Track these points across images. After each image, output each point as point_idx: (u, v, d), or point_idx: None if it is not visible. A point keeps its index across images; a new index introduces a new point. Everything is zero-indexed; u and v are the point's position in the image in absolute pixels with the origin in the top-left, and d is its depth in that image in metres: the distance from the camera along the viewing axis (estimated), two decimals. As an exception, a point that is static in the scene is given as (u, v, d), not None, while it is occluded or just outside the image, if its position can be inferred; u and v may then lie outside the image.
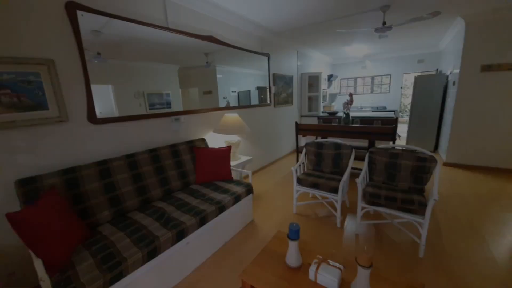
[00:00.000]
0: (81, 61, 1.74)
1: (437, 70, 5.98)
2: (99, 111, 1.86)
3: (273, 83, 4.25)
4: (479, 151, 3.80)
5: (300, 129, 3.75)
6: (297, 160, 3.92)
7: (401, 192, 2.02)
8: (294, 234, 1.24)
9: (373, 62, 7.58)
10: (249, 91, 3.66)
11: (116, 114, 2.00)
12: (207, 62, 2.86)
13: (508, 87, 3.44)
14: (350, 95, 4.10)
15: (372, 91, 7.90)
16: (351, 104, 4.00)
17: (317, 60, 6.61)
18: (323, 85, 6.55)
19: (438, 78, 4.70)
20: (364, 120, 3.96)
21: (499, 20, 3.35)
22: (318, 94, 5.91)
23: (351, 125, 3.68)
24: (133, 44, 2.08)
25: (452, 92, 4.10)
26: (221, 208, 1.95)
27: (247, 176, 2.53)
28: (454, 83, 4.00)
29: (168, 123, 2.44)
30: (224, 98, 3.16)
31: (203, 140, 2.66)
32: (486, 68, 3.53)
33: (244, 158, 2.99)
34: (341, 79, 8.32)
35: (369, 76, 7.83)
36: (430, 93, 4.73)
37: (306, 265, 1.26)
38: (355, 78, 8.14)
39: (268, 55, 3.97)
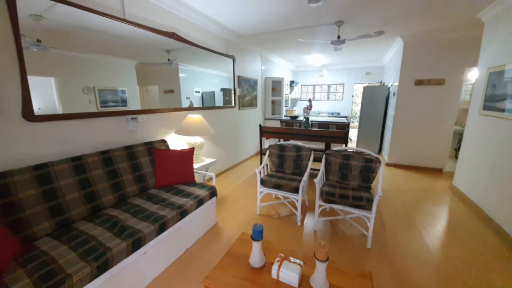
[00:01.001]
0: (16, 48, 1.49)
1: (381, 82, 6.83)
2: (38, 107, 1.62)
3: (238, 85, 4.28)
4: (413, 153, 4.45)
5: (264, 132, 3.85)
6: (261, 162, 4.01)
7: (352, 190, 2.24)
8: (257, 235, 1.27)
9: (329, 72, 8.26)
10: (214, 92, 3.61)
11: (59, 111, 1.76)
12: (169, 60, 2.73)
13: (435, 99, 4.13)
14: (310, 100, 4.39)
15: (328, 98, 8.57)
16: (310, 109, 4.27)
17: (281, 66, 6.89)
18: (286, 90, 6.85)
19: (381, 89, 5.36)
20: (321, 124, 4.28)
21: (430, 42, 4.01)
22: (281, 98, 6.16)
23: (310, 129, 3.93)
24: (83, 33, 1.86)
25: (392, 101, 4.73)
26: (183, 213, 1.87)
27: (210, 179, 2.49)
28: (394, 94, 4.62)
29: (123, 123, 2.24)
30: (187, 98, 3.06)
31: (164, 141, 2.53)
32: (419, 82, 4.17)
33: (207, 160, 2.93)
34: (301, 85, 8.83)
35: (325, 84, 8.48)
36: (375, 102, 5.38)
37: (269, 264, 1.30)
38: (314, 85, 8.72)
39: (233, 58, 3.99)
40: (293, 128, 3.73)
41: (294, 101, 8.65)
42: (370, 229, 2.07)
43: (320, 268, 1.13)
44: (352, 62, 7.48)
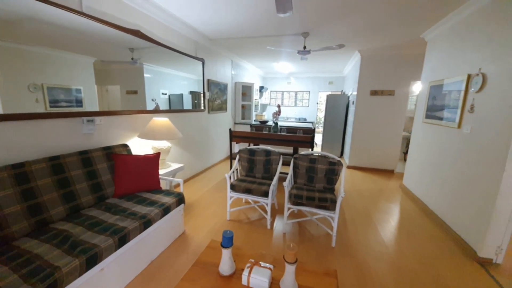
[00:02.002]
0: None
1: (342, 91, 7.39)
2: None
3: (207, 89, 4.21)
4: (370, 156, 4.89)
5: (234, 136, 3.84)
6: (231, 167, 3.98)
7: (318, 192, 2.36)
8: (227, 241, 1.25)
9: (296, 79, 8.65)
10: (182, 95, 3.49)
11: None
12: (132, 59, 2.56)
13: (387, 108, 4.62)
14: (278, 106, 4.52)
15: (295, 104, 8.95)
16: (279, 115, 4.40)
17: (250, 72, 6.98)
18: (255, 95, 6.96)
19: (342, 98, 5.81)
20: (289, 129, 4.44)
21: (383, 57, 4.49)
22: (250, 103, 6.23)
23: (279, 133, 4.04)
24: (32, 24, 1.64)
25: (352, 109, 5.15)
26: (147, 223, 1.75)
27: (178, 185, 2.38)
28: (353, 103, 5.04)
29: (78, 125, 2.02)
30: (152, 100, 2.90)
31: (125, 146, 2.34)
32: (374, 92, 4.63)
33: (175, 166, 2.80)
34: (270, 91, 9.07)
35: (293, 91, 8.86)
36: (337, 109, 5.80)
37: (239, 270, 1.29)
38: (282, 92, 9.03)
39: (203, 61, 3.92)
40: (262, 133, 3.79)
41: (264, 106, 8.83)
42: (334, 228, 2.20)
43: (289, 270, 1.16)
44: (317, 72, 7.96)
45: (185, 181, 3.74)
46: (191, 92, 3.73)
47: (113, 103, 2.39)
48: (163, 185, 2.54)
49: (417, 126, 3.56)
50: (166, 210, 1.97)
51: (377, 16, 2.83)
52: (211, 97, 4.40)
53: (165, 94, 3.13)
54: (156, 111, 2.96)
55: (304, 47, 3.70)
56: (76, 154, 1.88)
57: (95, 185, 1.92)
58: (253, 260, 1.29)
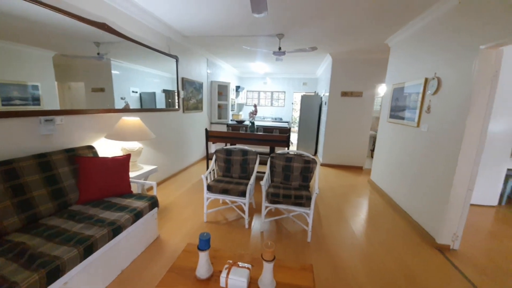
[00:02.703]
0: None
1: (315, 92, 7.68)
2: None
3: (182, 87, 4.07)
4: (341, 154, 5.16)
5: (210, 136, 3.77)
6: (208, 167, 3.91)
7: (294, 189, 2.43)
8: (204, 244, 1.23)
9: (272, 80, 8.78)
10: (155, 93, 3.34)
11: None
12: (98, 54, 2.38)
13: (356, 108, 4.91)
14: (255, 106, 4.55)
15: (272, 104, 9.08)
16: (255, 114, 4.43)
17: (227, 71, 6.92)
18: (232, 94, 6.91)
19: (315, 98, 6.04)
20: (266, 129, 4.49)
21: (352, 60, 4.75)
22: (227, 102, 6.17)
23: (256, 133, 4.07)
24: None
25: (324, 110, 5.38)
26: (117, 230, 1.64)
27: (151, 188, 2.28)
28: (325, 103, 5.27)
29: (34, 125, 1.82)
30: (122, 98, 2.72)
31: (91, 147, 2.17)
32: (344, 94, 4.89)
33: (147, 168, 2.67)
34: (247, 91, 9.08)
35: (269, 91, 8.98)
36: (311, 109, 6.01)
37: (217, 272, 1.28)
38: (259, 92, 9.11)
39: (176, 58, 3.78)
40: (239, 132, 3.78)
41: (240, 106, 8.81)
42: (310, 224, 2.28)
43: (267, 268, 1.17)
44: (292, 73, 8.17)
45: (159, 184, 3.59)
46: (164, 91, 3.59)
47: (77, 102, 2.20)
48: (135, 189, 2.40)
49: (382, 125, 3.84)
50: (138, 215, 1.87)
51: (346, 22, 2.99)
52: (186, 96, 4.28)
53: (136, 92, 2.97)
54: (126, 110, 2.79)
55: (279, 48, 3.77)
56: (33, 158, 1.70)
57: (55, 191, 1.75)
58: (231, 261, 1.28)
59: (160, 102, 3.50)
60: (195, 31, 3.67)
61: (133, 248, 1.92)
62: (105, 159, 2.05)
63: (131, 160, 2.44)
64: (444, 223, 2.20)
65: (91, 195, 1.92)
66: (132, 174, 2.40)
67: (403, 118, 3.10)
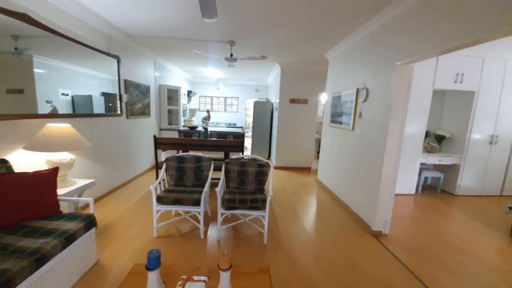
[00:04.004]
0: None
1: (267, 98, 8.02)
2: None
3: (125, 90, 3.70)
4: (292, 156, 5.51)
5: (160, 143, 3.52)
6: (157, 177, 3.63)
7: (249, 194, 2.46)
8: (153, 262, 1.11)
9: (225, 85, 8.80)
10: (91, 96, 2.94)
11: None
12: (16, 48, 1.97)
13: (303, 114, 5.33)
14: (208, 111, 4.47)
15: (225, 110, 9.07)
16: (209, 120, 4.35)
17: (177, 75, 6.61)
18: (183, 99, 6.62)
19: (267, 105, 6.31)
20: (220, 134, 4.45)
21: (298, 70, 5.15)
22: (178, 108, 5.88)
23: (209, 139, 3.99)
24: None
25: (276, 115, 5.67)
26: (41, 260, 1.37)
27: (87, 206, 1.98)
28: (276, 109, 5.56)
29: None
30: (48, 102, 2.30)
31: (4, 161, 1.77)
32: (292, 101, 5.25)
33: (81, 182, 2.31)
34: (199, 96, 8.84)
35: (222, 96, 8.96)
36: (263, 115, 6.25)
37: (171, 289, 1.19)
38: (212, 97, 8.98)
39: (118, 58, 3.43)
40: (192, 139, 3.64)
41: (193, 112, 8.51)
42: (265, 226, 2.34)
43: (224, 278, 1.15)
44: (244, 79, 8.36)
45: (98, 199, 3.14)
46: (104, 94, 3.19)
47: (-21, 105, 1.77)
48: (65, 208, 2.05)
49: (325, 129, 4.27)
50: (69, 239, 1.59)
51: (292, 36, 3.25)
52: (130, 100, 3.90)
53: (67, 95, 2.56)
54: (53, 115, 2.37)
55: (231, 55, 3.82)
56: None
57: None
58: (185, 277, 1.21)
59: (99, 107, 3.10)
60: (141, 31, 3.41)
61: (65, 278, 1.62)
62: (23, 175, 1.69)
63: (59, 174, 2.08)
64: (376, 212, 2.57)
65: (5, 220, 1.55)
66: (61, 191, 2.04)
67: (341, 123, 3.51)
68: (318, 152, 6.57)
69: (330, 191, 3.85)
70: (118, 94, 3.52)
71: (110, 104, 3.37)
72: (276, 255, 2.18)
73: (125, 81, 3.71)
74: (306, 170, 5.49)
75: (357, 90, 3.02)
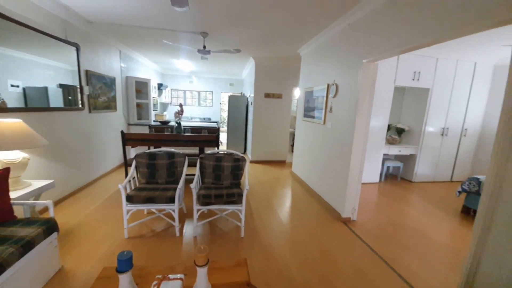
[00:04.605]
0: None
1: (241, 92, 7.97)
2: None
3: (86, 82, 3.39)
4: (267, 150, 5.60)
5: (128, 139, 3.32)
6: (126, 175, 3.43)
7: (225, 188, 2.46)
8: (124, 264, 1.06)
9: (198, 79, 8.52)
10: (47, 88, 2.64)
11: None
12: None
13: (277, 109, 5.42)
14: (181, 105, 4.30)
15: (199, 104, 8.82)
16: (181, 114, 4.19)
17: (146, 66, 6.22)
18: (153, 93, 6.28)
19: (242, 99, 6.28)
20: (194, 129, 4.33)
21: (272, 65, 5.19)
22: (148, 101, 5.57)
23: (183, 134, 3.86)
24: None
25: (251, 109, 5.68)
26: (-7, 270, 1.23)
27: (46, 209, 1.81)
28: (251, 104, 5.57)
29: None
30: (-11, 94, 2.02)
31: None
32: (267, 95, 5.29)
33: (38, 184, 2.09)
34: (171, 89, 8.45)
35: (196, 90, 8.67)
36: (238, 109, 6.22)
37: (145, 290, 1.15)
38: (185, 91, 8.65)
39: (77, 46, 3.11)
40: (164, 134, 3.50)
41: (164, 106, 8.13)
42: (242, 220, 2.37)
43: (201, 274, 1.15)
44: (219, 73, 8.18)
45: (59, 202, 2.88)
46: (62, 86, 2.89)
47: None
48: (20, 213, 1.85)
49: (298, 123, 4.40)
50: (26, 245, 1.45)
51: (265, 30, 3.25)
52: (93, 92, 3.59)
53: (17, 86, 2.27)
54: (0, 109, 2.09)
55: (204, 47, 3.70)
56: None
57: None
58: (160, 276, 1.19)
59: (56, 100, 2.81)
60: (103, 17, 3.13)
61: (21, 289, 1.48)
62: (-37, 178, 1.48)
63: (11, 175, 1.86)
64: (345, 200, 2.75)
65: None
66: (14, 194, 1.83)
67: (313, 117, 3.64)
68: (292, 145, 6.76)
69: (304, 182, 4.01)
70: (78, 86, 3.22)
71: (69, 97, 3.07)
72: (253, 247, 2.23)
73: (87, 71, 3.40)
74: (281, 163, 5.63)
75: (328, 85, 3.15)
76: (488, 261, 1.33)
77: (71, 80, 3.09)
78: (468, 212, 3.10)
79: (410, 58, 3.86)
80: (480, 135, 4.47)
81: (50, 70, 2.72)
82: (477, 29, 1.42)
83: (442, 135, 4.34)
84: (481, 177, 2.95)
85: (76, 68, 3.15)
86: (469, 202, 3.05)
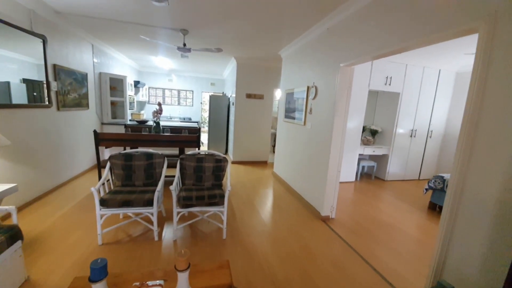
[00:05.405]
0: None
1: (223, 92, 7.91)
2: None
3: (54, 77, 3.14)
4: (249, 151, 5.62)
5: (102, 139, 3.14)
6: (100, 177, 3.24)
7: (207, 190, 2.43)
8: (97, 273, 1.00)
9: (178, 77, 8.29)
10: (9, 83, 2.41)
11: None
12: None
13: (259, 109, 5.46)
14: (159, 104, 4.15)
15: (179, 103, 8.58)
16: (160, 113, 4.05)
17: (121, 62, 5.92)
18: (130, 90, 5.99)
19: (223, 99, 6.24)
20: (174, 129, 4.21)
21: (254, 66, 5.21)
22: (123, 99, 5.30)
23: (162, 134, 3.73)
24: None
25: (232, 110, 5.65)
26: None
27: (9, 215, 1.66)
28: (233, 104, 5.54)
29: None
30: None
31: None
32: (248, 96, 5.31)
33: (-2, 189, 1.90)
34: (149, 87, 8.13)
35: (175, 89, 8.43)
36: (220, 109, 6.16)
37: (122, 298, 1.10)
38: (163, 89, 8.36)
39: (43, 38, 2.87)
40: (141, 134, 3.35)
41: (142, 104, 7.79)
42: (224, 221, 2.35)
43: (182, 278, 1.12)
44: (199, 72, 8.02)
45: (22, 207, 2.64)
46: (25, 81, 2.65)
47: None
48: (-25, 221, 1.67)
49: (279, 124, 4.47)
50: (-15, 257, 1.31)
51: (247, 30, 3.26)
52: (62, 89, 3.34)
53: (-32, 81, 2.04)
54: None
55: (184, 44, 3.61)
56: None
57: None
58: (138, 283, 1.14)
59: (19, 96, 2.57)
60: (74, 8, 2.92)
61: (-23, 306, 1.33)
62: None
63: (-36, 180, 1.67)
64: (324, 199, 2.85)
65: None
66: (-33, 200, 1.64)
67: (294, 118, 3.73)
68: (274, 146, 6.84)
69: (285, 182, 4.08)
70: (45, 82, 2.97)
71: (34, 93, 2.83)
72: (236, 248, 2.23)
73: (54, 66, 3.15)
74: (262, 164, 5.67)
75: (308, 88, 3.24)
76: (454, 253, 1.46)
77: (37, 75, 2.85)
78: (434, 208, 3.37)
79: (382, 64, 4.10)
80: (443, 136, 4.88)
81: (13, 64, 2.49)
82: (443, 38, 1.55)
83: (411, 136, 4.67)
84: (445, 175, 3.23)
85: (42, 62, 2.91)
86: (435, 198, 3.31)
